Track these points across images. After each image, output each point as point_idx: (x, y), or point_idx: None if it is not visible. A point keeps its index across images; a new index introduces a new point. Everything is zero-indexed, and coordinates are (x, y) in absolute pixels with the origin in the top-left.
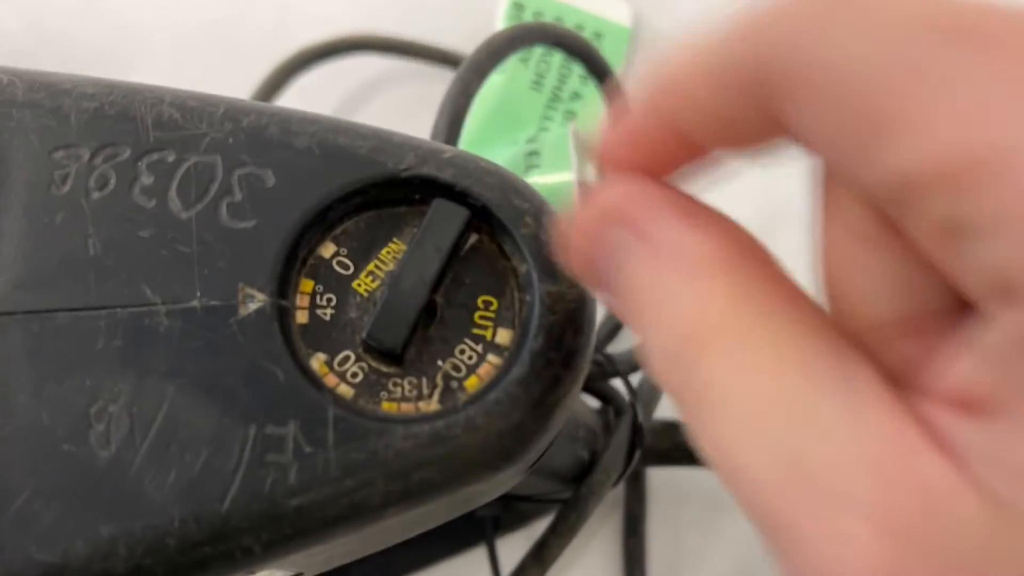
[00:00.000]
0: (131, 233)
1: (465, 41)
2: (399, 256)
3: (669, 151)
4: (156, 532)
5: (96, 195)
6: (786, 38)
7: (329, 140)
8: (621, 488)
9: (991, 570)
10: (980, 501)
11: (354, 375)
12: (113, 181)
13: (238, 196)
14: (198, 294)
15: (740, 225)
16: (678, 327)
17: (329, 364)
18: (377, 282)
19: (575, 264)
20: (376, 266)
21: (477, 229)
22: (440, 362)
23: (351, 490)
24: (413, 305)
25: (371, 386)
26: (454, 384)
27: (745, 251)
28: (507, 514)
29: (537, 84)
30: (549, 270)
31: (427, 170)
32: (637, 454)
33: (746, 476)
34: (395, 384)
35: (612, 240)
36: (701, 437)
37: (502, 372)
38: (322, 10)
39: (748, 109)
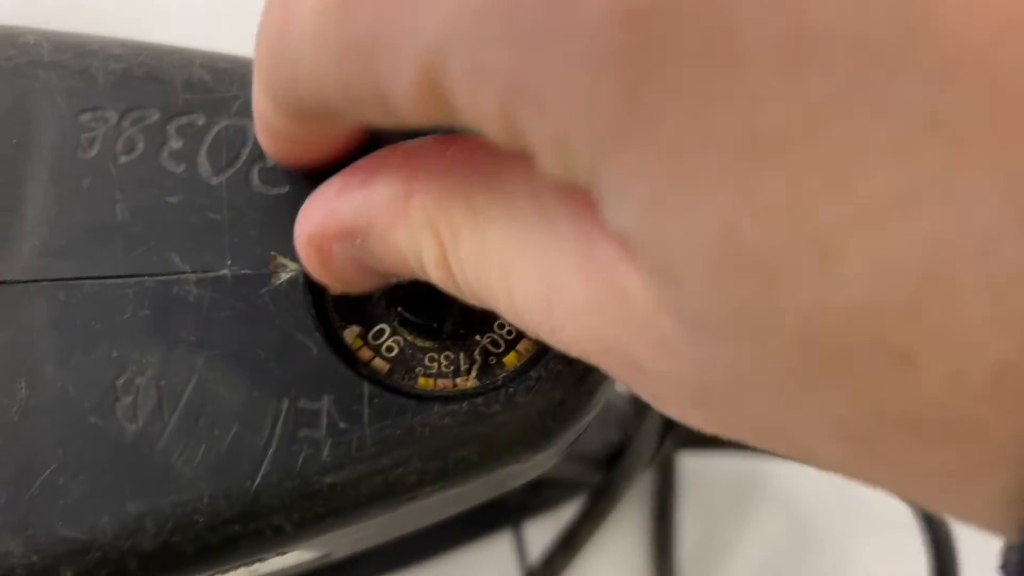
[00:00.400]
0: (159, 199)
1: None
2: None
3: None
4: (185, 509)
5: (123, 159)
6: None
7: None
8: (651, 474)
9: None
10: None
11: (389, 349)
12: (141, 145)
13: (270, 161)
14: (228, 262)
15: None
16: (414, 262)
17: (363, 338)
18: None
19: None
20: None
21: None
22: (478, 337)
23: (386, 468)
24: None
25: (407, 361)
26: (492, 360)
27: (425, 164)
28: (534, 499)
29: None
30: None
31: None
32: (668, 438)
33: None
34: (432, 359)
35: (337, 250)
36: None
37: (543, 348)
38: None
39: None
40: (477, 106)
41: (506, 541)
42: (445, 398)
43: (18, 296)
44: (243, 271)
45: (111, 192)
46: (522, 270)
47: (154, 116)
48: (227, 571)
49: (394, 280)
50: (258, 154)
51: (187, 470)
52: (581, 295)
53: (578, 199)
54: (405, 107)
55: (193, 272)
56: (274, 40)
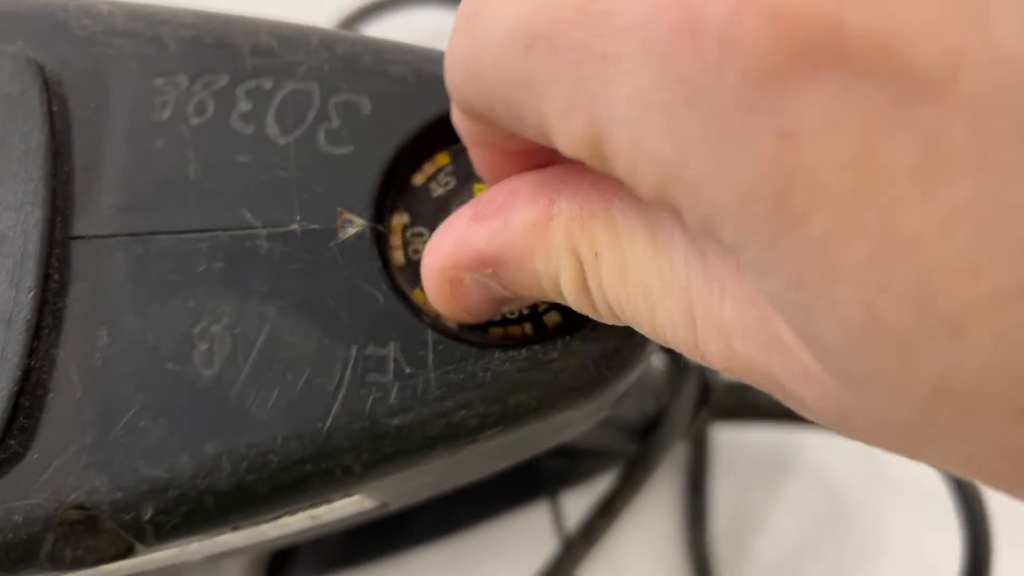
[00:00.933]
0: (230, 158)
1: None
2: None
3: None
4: (259, 449)
5: (195, 121)
6: None
7: (424, 69)
8: (685, 446)
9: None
10: None
11: None
12: (212, 108)
13: (335, 123)
14: (297, 218)
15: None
16: (549, 285)
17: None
18: None
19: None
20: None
21: None
22: None
23: (449, 411)
24: None
25: None
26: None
27: (553, 187)
28: (570, 468)
29: None
30: None
31: None
32: (703, 410)
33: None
34: None
35: (467, 280)
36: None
37: None
38: None
39: None
40: (633, 174)
41: (543, 511)
42: (505, 346)
43: (98, 250)
44: (312, 226)
45: (184, 152)
46: (665, 289)
47: (224, 80)
48: (296, 511)
49: (514, 307)
50: (324, 116)
51: (261, 413)
52: (727, 318)
53: None
54: (563, 143)
55: (264, 227)
56: (462, 36)
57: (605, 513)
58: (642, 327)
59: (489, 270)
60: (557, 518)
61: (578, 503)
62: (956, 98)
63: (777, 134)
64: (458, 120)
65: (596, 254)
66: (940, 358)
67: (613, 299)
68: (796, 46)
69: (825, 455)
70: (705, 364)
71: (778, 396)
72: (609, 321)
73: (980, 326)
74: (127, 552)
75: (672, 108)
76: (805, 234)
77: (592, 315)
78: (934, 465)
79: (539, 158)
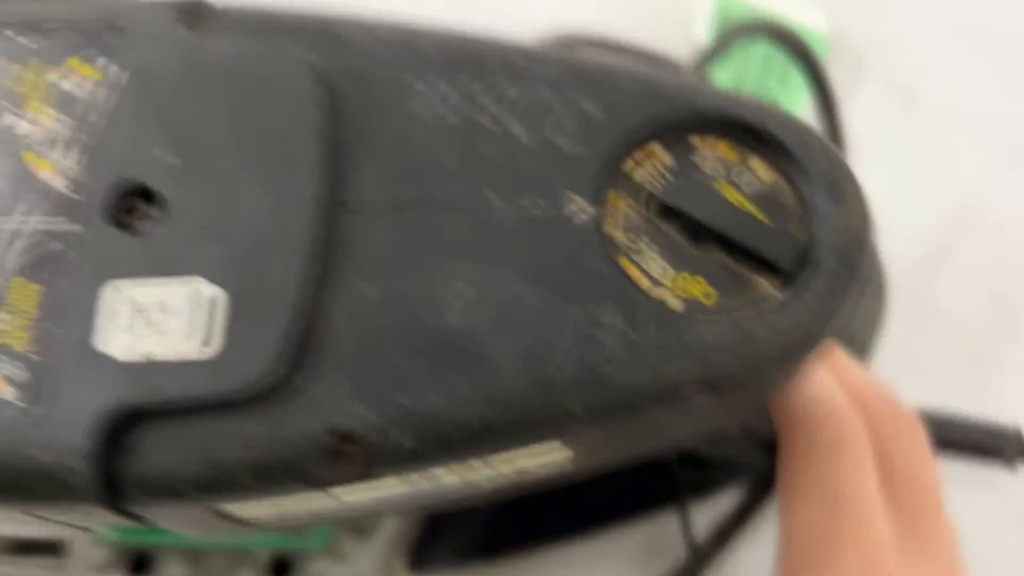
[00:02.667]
0: (478, 146)
1: (660, 43)
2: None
3: None
4: (499, 389)
5: (449, 116)
6: None
7: (638, 79)
8: None
9: None
10: None
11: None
12: (463, 106)
13: (566, 120)
14: (533, 198)
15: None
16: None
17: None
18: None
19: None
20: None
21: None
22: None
23: (662, 372)
24: (731, 227)
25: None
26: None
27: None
28: (700, 479)
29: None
30: (836, 195)
31: (733, 109)
32: None
33: None
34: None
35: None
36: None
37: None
38: (523, 10)
39: None
40: None
41: (669, 520)
42: (711, 311)
43: (365, 217)
44: (544, 205)
45: (439, 141)
46: None
47: (474, 84)
48: (511, 456)
49: None
50: (558, 116)
51: (501, 358)
52: None
53: None
54: None
55: (505, 204)
56: None
57: (737, 523)
58: None
59: None
60: (686, 526)
61: (701, 516)
62: None
63: None
64: None
65: None
66: None
67: None
68: None
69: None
70: None
71: None
72: None
73: None
74: (373, 474)
75: None
76: None
77: None
78: None
79: None
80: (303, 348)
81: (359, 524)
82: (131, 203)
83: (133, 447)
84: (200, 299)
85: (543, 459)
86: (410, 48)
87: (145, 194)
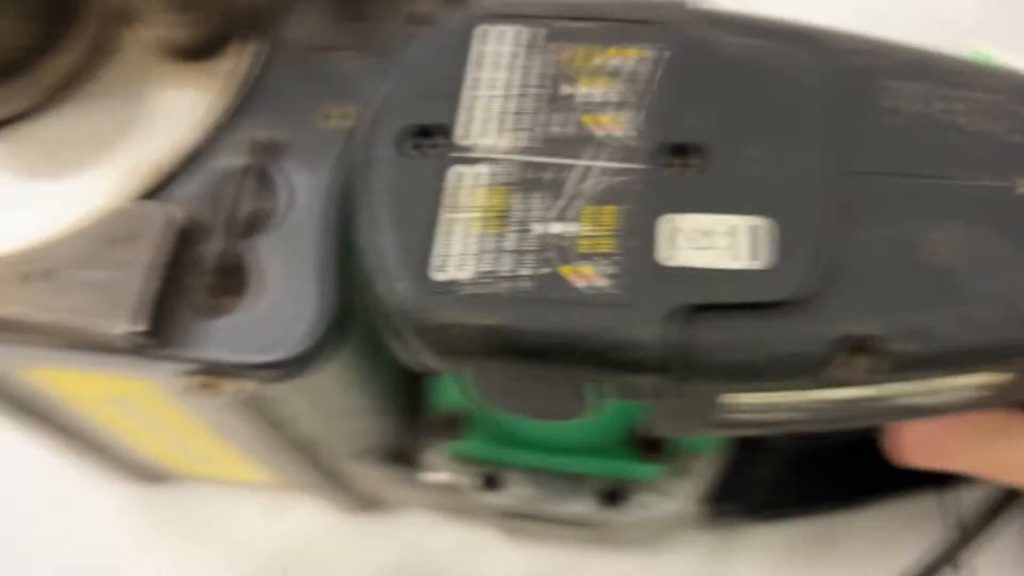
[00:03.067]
0: (944, 137)
1: None
2: None
3: None
4: (980, 318)
5: (920, 113)
6: None
7: None
8: None
9: None
10: None
11: None
12: (929, 102)
13: (1018, 121)
14: (991, 178)
15: None
16: None
17: None
18: None
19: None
20: None
21: None
22: None
23: None
24: None
25: None
26: None
27: None
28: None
29: None
30: None
31: None
32: None
33: None
34: None
35: None
36: None
37: None
38: None
39: None
40: None
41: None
42: None
43: (869, 182)
44: (999, 182)
45: (910, 133)
46: None
47: (937, 89)
48: (980, 374)
49: None
50: (1015, 121)
51: (983, 294)
52: None
53: None
54: None
55: (968, 179)
56: None
57: (1003, 505)
58: None
59: None
60: (946, 508)
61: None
62: None
63: None
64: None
65: None
66: None
67: None
68: None
69: None
70: None
71: None
72: None
73: None
74: (871, 379)
75: None
76: None
77: None
78: None
79: None
80: (830, 269)
81: (684, 467)
82: (677, 153)
83: (692, 335)
84: (745, 228)
85: (984, 379)
86: (878, 54)
87: (685, 148)
